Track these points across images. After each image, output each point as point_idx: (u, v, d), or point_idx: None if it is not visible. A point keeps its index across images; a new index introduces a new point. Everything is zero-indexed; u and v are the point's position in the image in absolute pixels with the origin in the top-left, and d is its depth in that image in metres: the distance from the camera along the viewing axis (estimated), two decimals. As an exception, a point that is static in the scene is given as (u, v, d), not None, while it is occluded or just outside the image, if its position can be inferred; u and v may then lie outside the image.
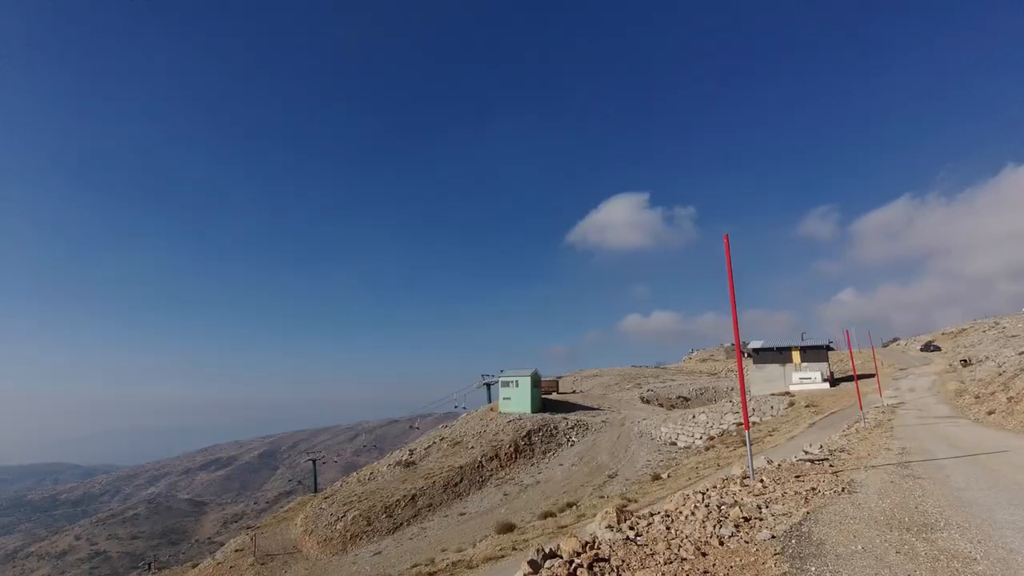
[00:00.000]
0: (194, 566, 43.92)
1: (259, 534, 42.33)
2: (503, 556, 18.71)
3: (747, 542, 5.85)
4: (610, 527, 6.54)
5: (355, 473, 54.37)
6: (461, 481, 43.09)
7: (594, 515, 23.52)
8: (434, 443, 52.74)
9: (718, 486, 9.30)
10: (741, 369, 10.93)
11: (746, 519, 6.46)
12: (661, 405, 67.26)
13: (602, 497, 28.31)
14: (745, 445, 10.61)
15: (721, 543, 5.76)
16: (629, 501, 24.71)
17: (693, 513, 6.89)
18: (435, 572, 17.87)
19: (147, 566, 67.14)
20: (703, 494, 8.41)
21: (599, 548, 5.60)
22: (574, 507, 26.85)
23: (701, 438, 43.28)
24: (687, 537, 6.00)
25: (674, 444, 45.01)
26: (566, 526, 22.17)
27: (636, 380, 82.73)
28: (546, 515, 24.99)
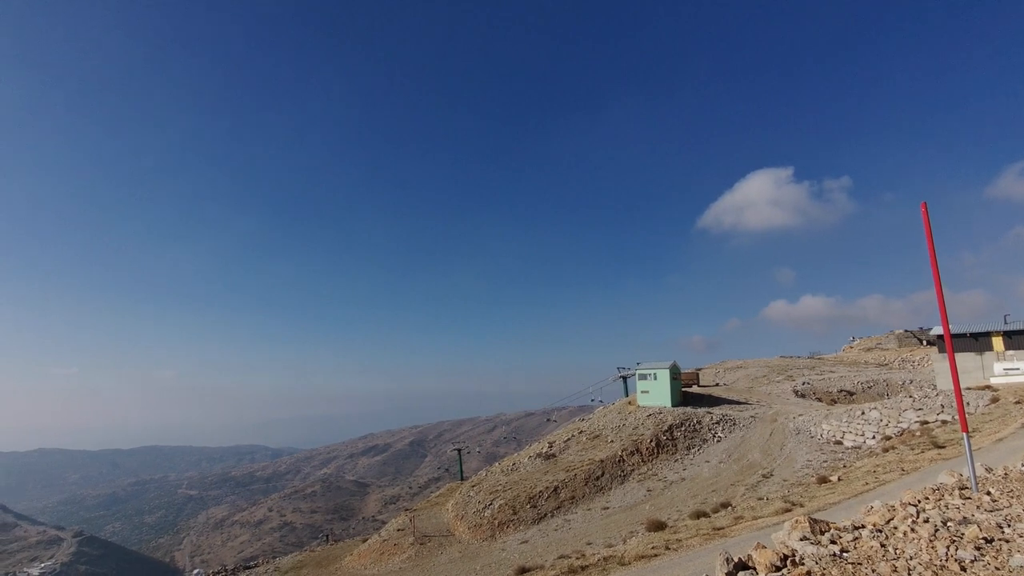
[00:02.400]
0: (363, 540, 48.77)
1: (416, 516, 45.79)
2: (656, 555, 18.02)
3: (998, 568, 4.78)
4: (805, 538, 5.78)
5: (498, 463, 56.46)
6: (602, 475, 42.66)
7: (754, 518, 21.73)
8: (572, 436, 52.88)
9: (930, 497, 7.89)
10: (953, 359, 9.17)
11: (987, 540, 5.30)
12: (819, 400, 60.65)
13: (760, 499, 26.12)
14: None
15: (963, 568, 4.77)
16: (793, 505, 22.48)
17: (913, 529, 5.84)
18: (586, 566, 17.77)
19: (324, 538, 76.29)
20: (914, 506, 7.16)
21: (802, 563, 4.94)
22: (729, 508, 25.11)
23: (874, 437, 38.17)
24: (913, 558, 5.08)
25: (839, 443, 40.24)
26: (722, 528, 20.78)
27: (787, 372, 75.51)
28: (698, 515, 23.68)
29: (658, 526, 22.75)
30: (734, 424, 48.50)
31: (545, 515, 39.21)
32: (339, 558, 45.00)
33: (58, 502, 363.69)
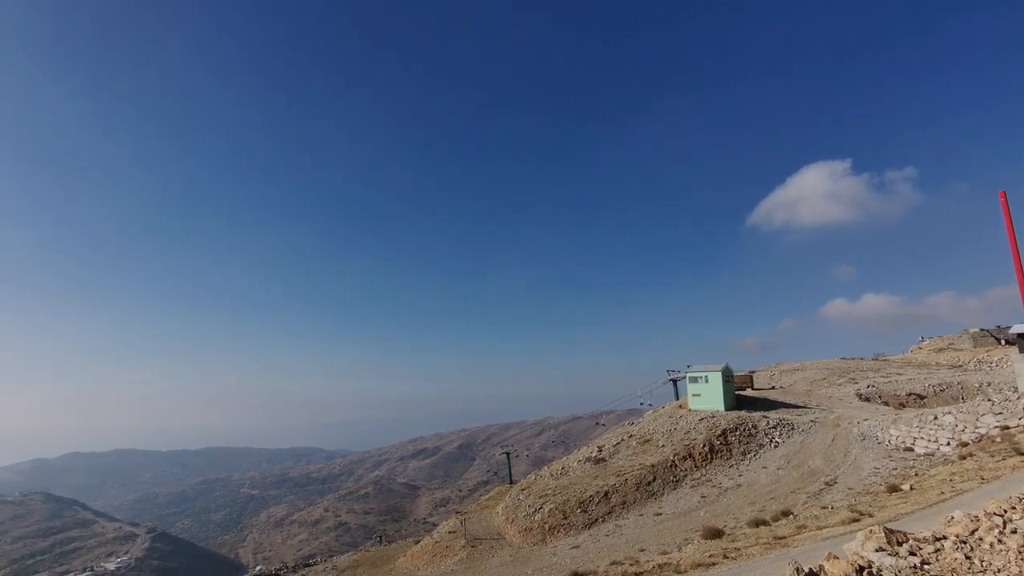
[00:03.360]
0: (416, 542, 49.61)
1: (467, 518, 46.21)
2: (714, 564, 17.53)
3: (1100, 587, 4.42)
4: (881, 549, 5.51)
5: (547, 467, 56.29)
6: (654, 480, 41.84)
7: (818, 527, 20.79)
8: (622, 440, 52.12)
9: (1018, 507, 7.36)
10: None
11: (1087, 556, 4.90)
12: (886, 403, 57.40)
13: (824, 508, 24.94)
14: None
15: (1060, 585, 4.43)
16: (862, 515, 21.38)
17: (1000, 540, 5.47)
18: (640, 573, 17.46)
19: (378, 538, 78.10)
20: (1000, 516, 6.70)
21: None
22: (790, 516, 24.10)
23: (948, 444, 35.77)
24: (1001, 571, 4.76)
25: (910, 450, 37.93)
26: (784, 537, 19.98)
27: (849, 374, 71.90)
28: (757, 523, 22.84)
29: (715, 534, 22.11)
30: (792, 429, 46.57)
31: (596, 520, 38.79)
32: (393, 559, 45.98)
33: (133, 500, 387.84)
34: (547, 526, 39.41)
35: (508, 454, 72.69)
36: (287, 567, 46.89)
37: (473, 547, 40.14)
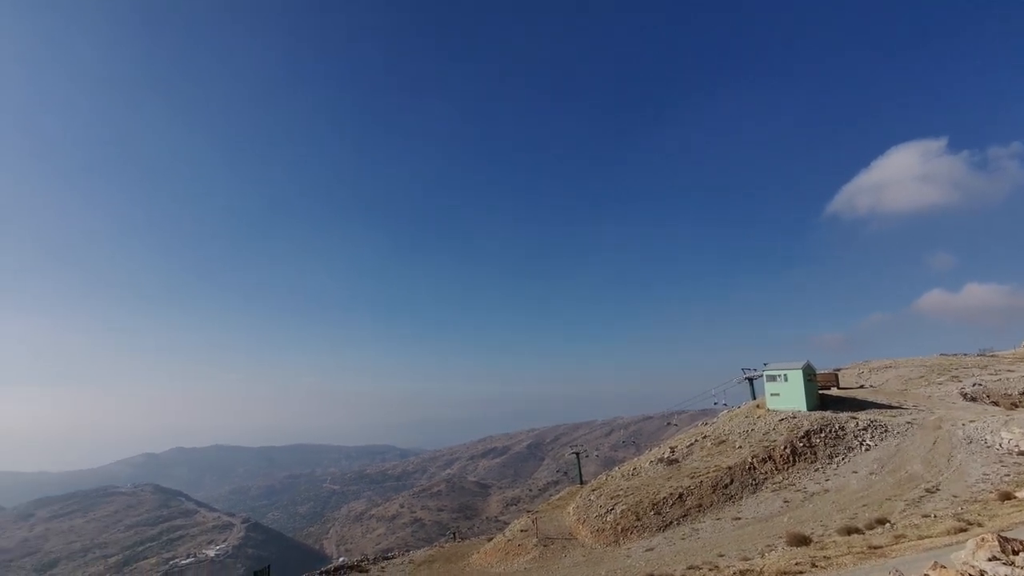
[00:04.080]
0: (488, 539, 50.33)
1: (538, 518, 46.37)
2: (801, 572, 16.62)
3: None
4: (995, 559, 5.05)
5: (617, 468, 55.45)
6: (731, 483, 40.18)
7: (919, 537, 19.20)
8: (696, 441, 50.44)
9: None
10: None
11: None
12: (996, 403, 52.04)
13: (926, 516, 22.98)
14: None
15: None
16: (969, 524, 19.57)
17: None
18: (722, 578, 16.85)
19: (452, 535, 79.91)
20: None
21: (993, 587, 4.32)
22: (886, 524, 22.39)
23: (1075, 448, 31.99)
24: None
25: (1026, 454, 34.24)
26: (880, 547, 18.62)
27: (950, 372, 65.75)
28: (848, 531, 21.40)
29: (801, 540, 20.93)
30: (886, 431, 43.24)
31: (671, 523, 37.77)
32: (466, 555, 46.84)
33: (228, 492, 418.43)
34: (619, 527, 38.82)
35: (578, 454, 72.21)
36: (368, 559, 48.93)
37: (545, 546, 40.22)
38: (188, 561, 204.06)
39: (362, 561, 48.50)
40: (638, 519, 38.84)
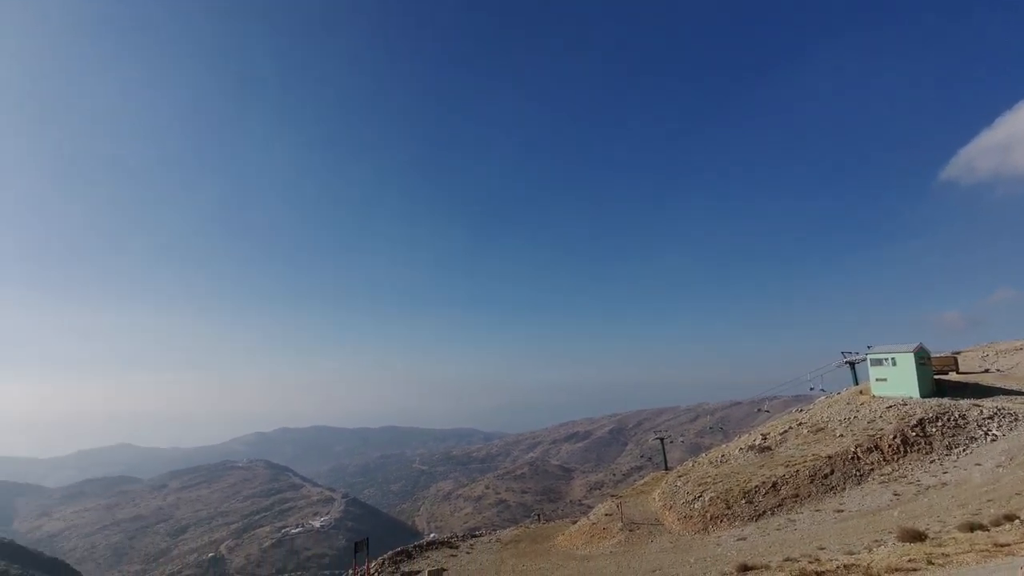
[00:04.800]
0: (573, 522, 50.85)
1: (623, 502, 46.13)
2: (915, 570, 15.39)
3: None
4: None
5: (704, 454, 53.78)
6: (831, 473, 37.74)
7: (1059, 538, 17.08)
8: (790, 428, 47.75)
9: None
10: None
11: None
12: None
13: (1067, 515, 20.39)
14: None
15: None
16: (1125, 526, 17.17)
17: None
18: (822, 572, 15.93)
19: (536, 516, 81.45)
20: None
21: None
22: (1015, 521, 20.13)
23: None
24: None
25: None
26: (1007, 544, 16.80)
27: (1102, 353, 57.29)
28: (971, 527, 19.45)
29: (915, 536, 19.33)
30: (1016, 420, 38.62)
31: (764, 512, 36.19)
32: (551, 537, 47.60)
33: (328, 469, 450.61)
34: (708, 515, 37.77)
35: (662, 440, 70.86)
36: (457, 536, 51.09)
37: (631, 530, 39.99)
38: (297, 530, 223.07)
39: (452, 538, 50.76)
40: (728, 507, 37.56)
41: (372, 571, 40.00)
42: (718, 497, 38.68)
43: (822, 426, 45.44)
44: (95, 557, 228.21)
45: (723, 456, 47.85)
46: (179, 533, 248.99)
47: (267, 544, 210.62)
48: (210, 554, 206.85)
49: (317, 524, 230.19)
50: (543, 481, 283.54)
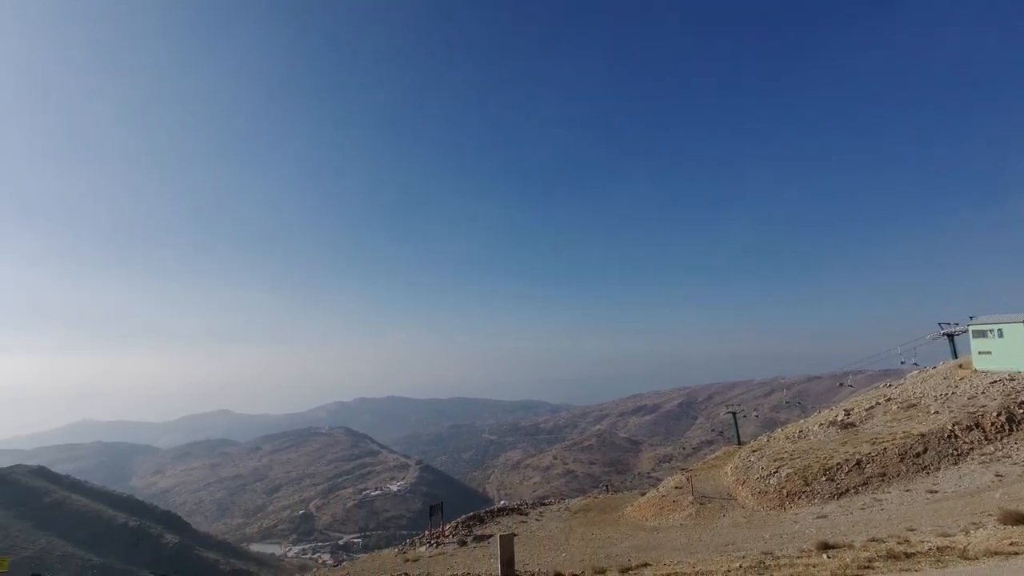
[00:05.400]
0: (642, 494, 50.88)
1: (693, 476, 45.57)
2: (1017, 554, 14.32)
3: None
4: None
5: (781, 429, 51.84)
6: (924, 452, 35.35)
7: None
8: (877, 403, 44.97)
9: None
10: None
11: None
12: None
13: None
14: None
15: None
16: None
17: None
18: (912, 553, 15.14)
19: (604, 487, 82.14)
20: None
21: None
22: None
23: None
24: None
25: None
26: None
27: None
28: (1088, 513, 17.73)
29: (1018, 519, 17.88)
30: None
31: (846, 491, 34.59)
32: (620, 507, 47.91)
33: (403, 437, 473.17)
34: (784, 491, 36.60)
35: (734, 414, 68.84)
36: (527, 504, 52.54)
37: (701, 504, 39.53)
38: (376, 493, 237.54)
39: (521, 505, 52.28)
40: (807, 484, 36.21)
41: (447, 533, 42.10)
42: (796, 473, 37.34)
43: (914, 402, 42.46)
44: (202, 511, 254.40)
45: (801, 431, 45.95)
46: (273, 491, 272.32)
47: (350, 504, 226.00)
48: (301, 511, 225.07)
49: (394, 488, 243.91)
50: (610, 453, 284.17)
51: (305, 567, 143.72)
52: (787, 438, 45.87)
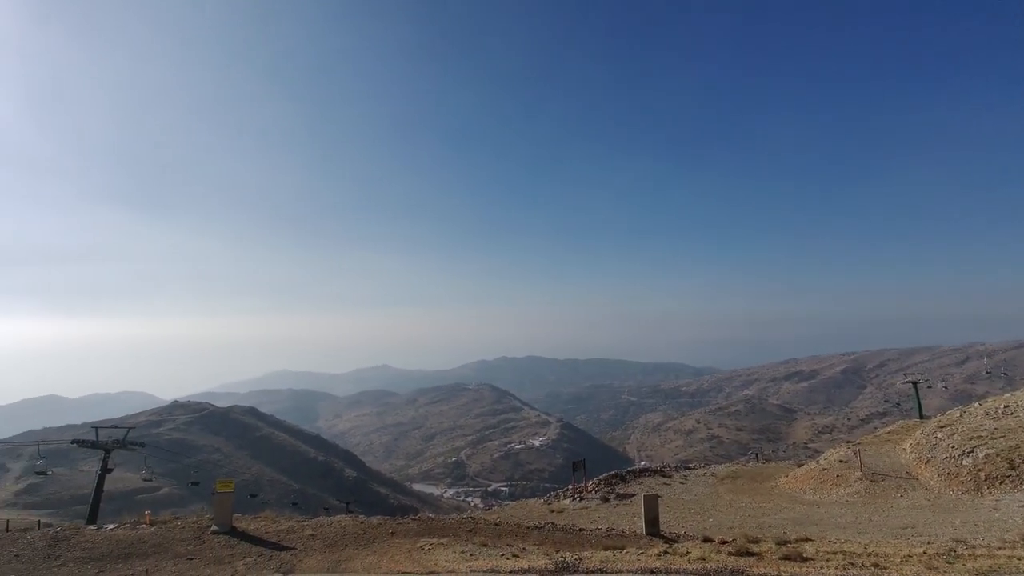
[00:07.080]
0: (798, 465, 47.34)
1: (861, 450, 41.24)
2: None
3: None
4: None
5: (979, 403, 44.35)
6: None
7: None
8: (1122, 377, 36.28)
9: None
10: None
11: None
12: None
13: None
14: None
15: None
16: None
17: None
18: None
19: (754, 455, 77.76)
20: None
21: None
22: None
23: None
24: None
25: None
26: None
27: None
28: None
29: None
30: None
31: (1069, 479, 28.85)
32: (772, 477, 45.09)
33: (544, 395, 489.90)
34: (982, 474, 31.57)
35: (915, 384, 60.23)
36: (669, 467, 51.85)
37: (872, 481, 35.71)
38: (520, 447, 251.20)
39: (664, 467, 51.71)
40: (1012, 468, 30.82)
41: (590, 488, 43.36)
42: (998, 455, 31.95)
43: None
44: (372, 451, 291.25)
45: (1007, 407, 38.93)
46: (429, 439, 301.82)
47: (497, 455, 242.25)
48: (453, 459, 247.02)
49: (537, 443, 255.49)
50: (760, 420, 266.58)
51: (460, 508, 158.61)
52: (987, 414, 39.19)
